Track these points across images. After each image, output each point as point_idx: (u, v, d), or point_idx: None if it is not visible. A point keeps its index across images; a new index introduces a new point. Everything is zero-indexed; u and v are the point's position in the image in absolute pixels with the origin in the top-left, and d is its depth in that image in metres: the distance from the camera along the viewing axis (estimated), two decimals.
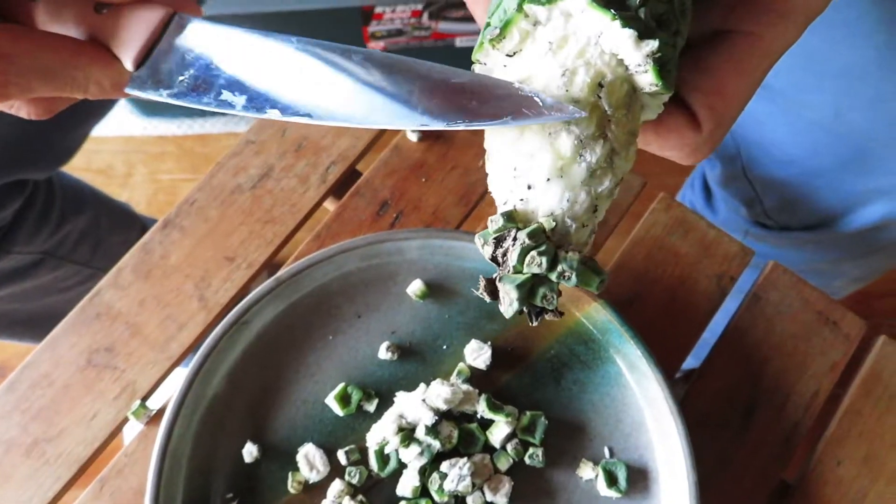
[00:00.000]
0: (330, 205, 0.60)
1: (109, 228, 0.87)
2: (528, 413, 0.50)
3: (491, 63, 0.28)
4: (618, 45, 0.25)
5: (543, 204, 0.26)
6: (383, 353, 0.52)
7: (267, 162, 0.58)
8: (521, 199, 0.26)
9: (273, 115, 0.30)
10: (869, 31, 0.54)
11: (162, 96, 0.32)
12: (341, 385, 0.50)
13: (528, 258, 0.24)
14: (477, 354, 0.51)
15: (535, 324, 0.25)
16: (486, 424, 0.50)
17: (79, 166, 1.49)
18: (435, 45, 1.39)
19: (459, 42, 1.38)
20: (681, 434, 0.48)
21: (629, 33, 0.25)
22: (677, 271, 0.57)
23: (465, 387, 0.50)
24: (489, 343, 0.52)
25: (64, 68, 0.31)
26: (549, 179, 0.25)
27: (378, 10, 1.27)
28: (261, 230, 0.57)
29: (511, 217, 0.25)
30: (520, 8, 0.26)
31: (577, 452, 0.50)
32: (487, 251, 0.25)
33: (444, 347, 0.52)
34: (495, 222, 0.25)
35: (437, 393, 0.49)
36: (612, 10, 0.24)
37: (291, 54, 0.31)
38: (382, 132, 0.60)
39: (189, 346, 0.54)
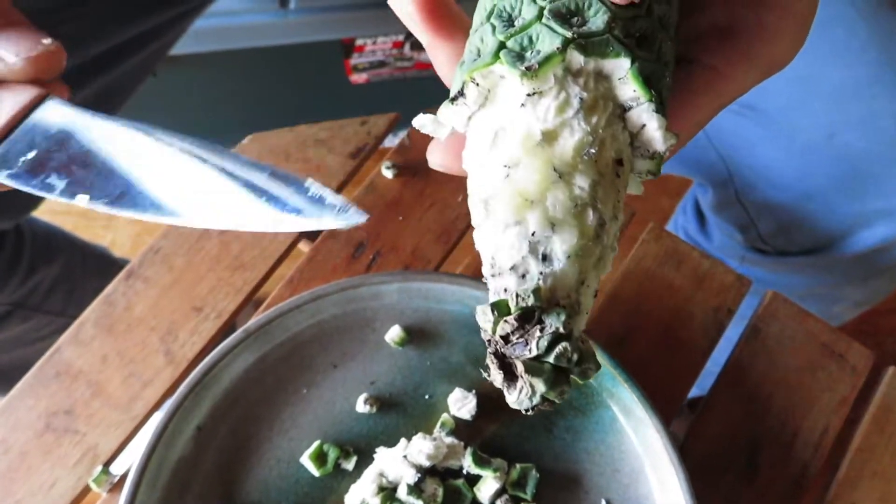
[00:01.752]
0: (304, 247, 0.57)
1: (84, 275, 0.84)
2: (518, 466, 0.47)
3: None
4: (645, 125, 0.24)
5: (563, 283, 0.23)
6: (361, 407, 0.48)
7: None
8: (542, 273, 0.23)
9: (81, 201, 0.30)
10: (859, 49, 0.52)
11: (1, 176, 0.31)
12: (317, 443, 0.47)
13: (557, 349, 0.22)
14: (461, 404, 0.48)
15: (529, 413, 0.23)
16: (473, 480, 0.46)
17: (59, 210, 1.46)
18: (418, 76, 1.37)
19: None
20: (682, 483, 0.45)
21: (660, 120, 0.24)
22: (671, 305, 0.54)
23: (450, 440, 0.47)
24: (474, 391, 0.49)
25: None
26: (569, 257, 0.23)
27: (359, 42, 1.26)
28: (230, 278, 0.54)
29: (538, 294, 0.22)
30: (561, 51, 0.23)
31: None
32: (504, 328, 0.22)
33: (427, 397, 0.49)
34: (515, 297, 0.22)
35: (420, 448, 0.45)
36: (652, 92, 0.23)
37: (142, 145, 0.31)
38: (357, 170, 0.58)
39: (155, 405, 0.50)
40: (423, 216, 0.55)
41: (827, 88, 0.56)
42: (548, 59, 0.22)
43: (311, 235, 0.55)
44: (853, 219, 0.60)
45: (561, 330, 0.22)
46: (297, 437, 0.48)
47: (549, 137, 0.23)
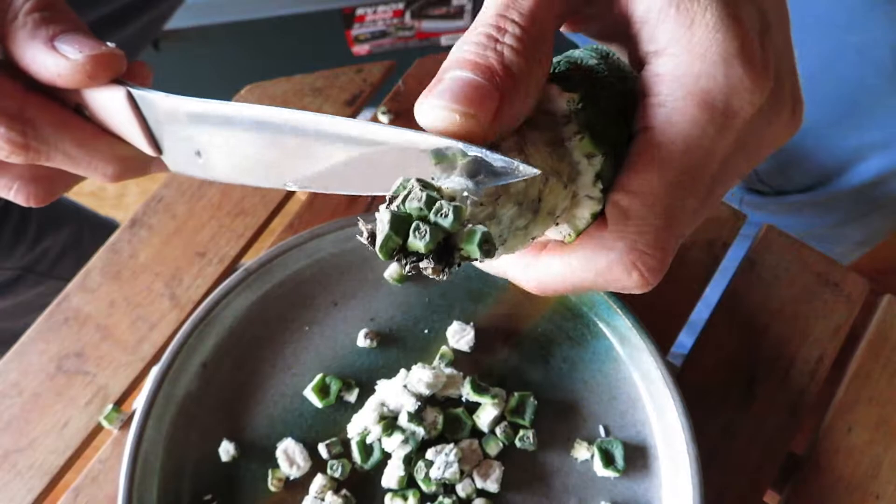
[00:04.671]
0: (302, 193, 0.58)
1: (93, 243, 0.86)
2: (516, 394, 0.48)
3: None
4: (546, 100, 0.27)
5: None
6: (362, 341, 0.49)
7: None
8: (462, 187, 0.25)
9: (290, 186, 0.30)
10: None
11: (202, 173, 0.33)
12: (319, 376, 0.48)
13: (411, 195, 0.23)
14: (459, 336, 0.49)
15: (407, 271, 0.23)
16: (472, 408, 0.47)
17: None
18: (420, 45, 1.37)
19: (445, 40, 1.37)
20: (678, 407, 0.46)
21: (553, 86, 0.27)
22: None
23: (449, 370, 0.47)
24: (472, 324, 0.49)
25: (84, 148, 0.33)
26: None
27: (359, 12, 1.26)
28: (231, 224, 0.55)
29: (423, 182, 0.24)
30: None
31: (571, 433, 0.48)
32: (384, 207, 0.24)
33: (426, 332, 0.50)
34: (398, 182, 0.24)
35: (419, 377, 0.46)
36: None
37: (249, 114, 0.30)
38: (353, 117, 0.58)
39: (162, 346, 0.52)
40: None
41: (820, 19, 0.56)
42: None
43: None
44: (849, 153, 0.60)
45: (418, 188, 0.23)
46: (300, 372, 0.49)
47: None
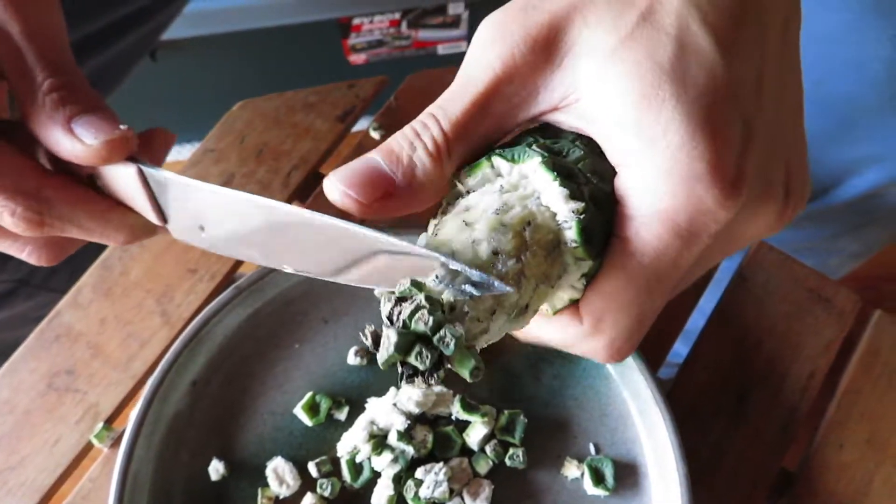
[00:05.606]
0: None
1: (87, 255, 0.86)
2: (506, 412, 0.48)
3: (454, 192, 0.32)
4: (553, 200, 0.29)
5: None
6: (352, 359, 0.49)
7: (227, 170, 0.57)
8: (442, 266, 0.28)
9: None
10: None
11: (206, 245, 0.36)
12: (309, 394, 0.48)
13: (416, 315, 0.25)
14: None
15: (401, 385, 0.26)
16: (462, 426, 0.47)
17: None
18: (417, 54, 1.37)
19: (442, 49, 1.37)
20: (667, 425, 0.46)
21: (563, 191, 0.29)
22: None
23: (439, 388, 0.47)
24: None
25: (97, 221, 0.36)
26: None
27: (356, 21, 1.26)
28: None
29: (418, 284, 0.26)
30: (488, 157, 0.31)
31: (561, 451, 0.48)
32: (386, 308, 0.26)
33: None
34: (403, 285, 0.27)
35: (409, 395, 0.46)
36: (556, 173, 0.29)
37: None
38: (345, 133, 0.59)
39: (153, 364, 0.52)
40: None
41: (814, 34, 0.56)
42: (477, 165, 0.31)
43: (303, 197, 0.56)
44: (844, 166, 0.60)
45: (423, 303, 0.25)
46: (290, 390, 0.49)
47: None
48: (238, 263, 0.54)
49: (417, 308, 0.25)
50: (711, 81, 0.26)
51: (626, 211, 0.28)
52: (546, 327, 0.33)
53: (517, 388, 0.49)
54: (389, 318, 0.26)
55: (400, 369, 0.26)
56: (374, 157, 0.29)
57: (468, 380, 0.26)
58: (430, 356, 0.25)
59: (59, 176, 0.35)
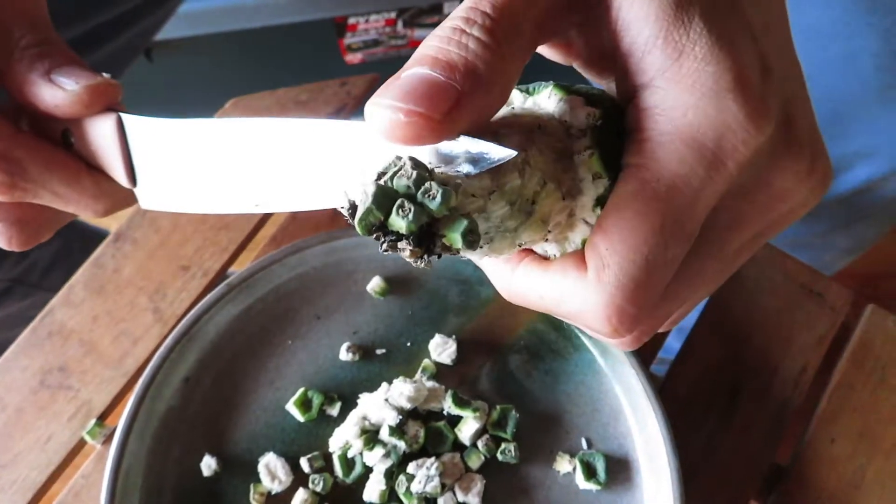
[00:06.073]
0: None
1: (83, 254, 0.86)
2: (497, 407, 0.48)
3: None
4: (567, 111, 0.26)
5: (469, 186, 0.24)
6: (344, 355, 0.49)
7: None
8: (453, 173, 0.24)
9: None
10: None
11: (176, 206, 0.33)
12: (301, 390, 0.48)
13: (401, 171, 0.21)
14: (442, 349, 0.49)
15: (383, 249, 0.22)
16: (454, 422, 0.47)
17: None
18: (413, 54, 1.37)
19: None
20: (659, 420, 0.46)
21: (578, 98, 0.26)
22: None
23: (430, 384, 0.47)
24: (454, 337, 0.49)
25: (71, 186, 0.34)
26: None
27: (351, 21, 1.26)
28: (215, 237, 0.55)
29: (416, 161, 0.22)
30: None
31: (553, 446, 0.48)
32: (371, 175, 0.22)
33: (408, 344, 0.50)
34: (386, 162, 0.23)
35: (401, 391, 0.46)
36: (572, 90, 0.26)
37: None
38: None
39: (145, 361, 0.52)
40: None
41: (804, 29, 0.56)
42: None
43: None
44: (835, 161, 0.60)
45: (408, 163, 0.22)
46: (283, 386, 0.49)
47: None
48: (231, 260, 0.54)
49: (400, 167, 0.21)
50: (732, 5, 0.25)
51: (640, 136, 0.24)
52: (539, 278, 0.27)
53: (509, 383, 0.49)
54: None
55: (379, 234, 0.22)
56: (421, 70, 0.23)
57: (461, 248, 0.22)
58: (413, 210, 0.21)
59: (31, 135, 0.33)
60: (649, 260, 0.24)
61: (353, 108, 0.59)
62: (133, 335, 0.52)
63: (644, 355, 0.51)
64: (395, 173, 0.21)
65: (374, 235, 0.22)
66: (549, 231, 0.27)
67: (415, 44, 1.36)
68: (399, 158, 0.22)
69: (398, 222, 0.21)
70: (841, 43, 0.56)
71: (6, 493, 0.48)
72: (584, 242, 0.27)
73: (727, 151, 0.24)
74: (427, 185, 0.21)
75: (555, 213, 0.26)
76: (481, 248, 0.25)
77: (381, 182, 0.21)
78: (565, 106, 0.26)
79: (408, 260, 0.22)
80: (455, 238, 0.22)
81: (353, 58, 1.37)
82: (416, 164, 0.22)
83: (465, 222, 0.22)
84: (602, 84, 0.30)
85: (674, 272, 0.25)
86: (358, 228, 0.21)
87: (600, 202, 0.26)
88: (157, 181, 0.33)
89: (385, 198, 0.21)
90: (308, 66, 1.38)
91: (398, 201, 0.21)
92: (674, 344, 0.58)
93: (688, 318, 0.55)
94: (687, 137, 0.24)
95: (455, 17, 0.24)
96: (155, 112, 0.34)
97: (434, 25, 1.32)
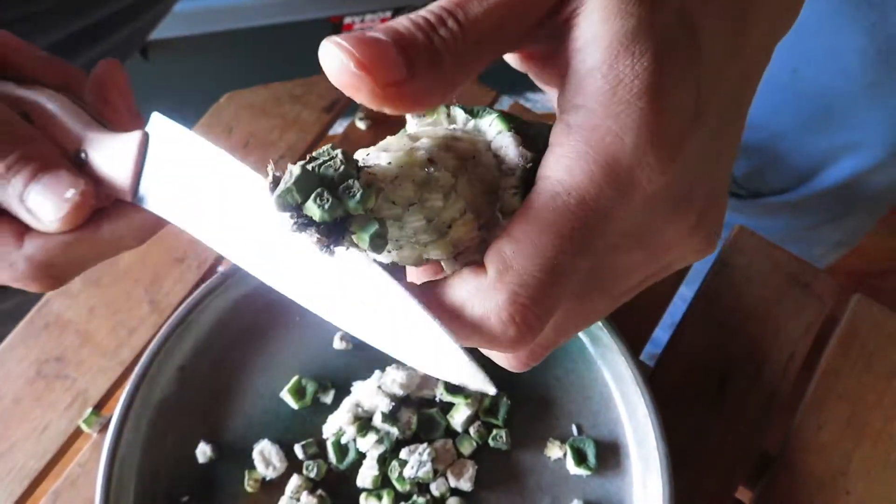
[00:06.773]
0: None
1: None
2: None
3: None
4: (502, 146, 0.27)
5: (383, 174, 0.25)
6: (338, 343, 0.50)
7: None
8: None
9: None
10: None
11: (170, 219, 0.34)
12: (295, 378, 0.49)
13: (330, 162, 0.22)
14: None
15: (291, 228, 0.22)
16: (446, 408, 0.48)
17: None
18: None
19: None
20: (649, 406, 0.46)
21: (515, 138, 0.27)
22: None
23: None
24: None
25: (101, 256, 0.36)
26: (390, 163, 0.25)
27: (347, 21, 1.27)
28: None
29: (348, 156, 0.23)
30: (446, 106, 0.29)
31: (544, 432, 0.48)
32: (300, 163, 0.23)
33: None
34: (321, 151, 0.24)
35: (393, 378, 0.47)
36: (512, 125, 0.27)
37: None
38: (331, 124, 0.59)
39: (141, 351, 0.52)
40: None
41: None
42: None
43: None
44: (821, 155, 0.61)
45: (338, 156, 0.22)
46: (277, 374, 0.50)
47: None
48: None
49: (331, 158, 0.22)
50: (692, 56, 0.25)
51: (558, 150, 0.25)
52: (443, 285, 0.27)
53: (500, 370, 0.50)
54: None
55: (293, 213, 0.22)
56: (386, 39, 0.23)
57: (367, 249, 0.23)
58: (329, 201, 0.22)
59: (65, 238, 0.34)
60: (555, 264, 0.24)
61: (347, 101, 0.59)
62: (129, 325, 0.53)
63: (634, 344, 0.52)
64: (324, 162, 0.22)
65: (288, 214, 0.22)
66: (458, 253, 0.27)
67: None
68: (334, 148, 0.23)
69: (313, 209, 0.22)
70: (828, 38, 0.57)
71: (3, 481, 0.49)
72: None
73: (635, 183, 0.24)
74: (350, 181, 0.22)
75: (466, 238, 0.27)
76: (389, 252, 0.26)
77: (309, 167, 0.22)
78: (503, 141, 0.27)
79: (311, 245, 0.22)
80: (364, 238, 0.22)
81: None
82: (348, 159, 0.22)
83: (376, 226, 0.22)
84: (552, 91, 0.31)
85: (574, 287, 0.26)
86: (273, 203, 0.22)
87: None
88: (160, 201, 0.34)
89: (307, 182, 0.22)
90: (304, 66, 1.38)
91: (318, 189, 0.22)
92: (662, 336, 0.59)
93: (677, 310, 0.55)
94: (601, 160, 0.24)
95: (429, 11, 0.24)
96: (151, 109, 0.34)
97: None
